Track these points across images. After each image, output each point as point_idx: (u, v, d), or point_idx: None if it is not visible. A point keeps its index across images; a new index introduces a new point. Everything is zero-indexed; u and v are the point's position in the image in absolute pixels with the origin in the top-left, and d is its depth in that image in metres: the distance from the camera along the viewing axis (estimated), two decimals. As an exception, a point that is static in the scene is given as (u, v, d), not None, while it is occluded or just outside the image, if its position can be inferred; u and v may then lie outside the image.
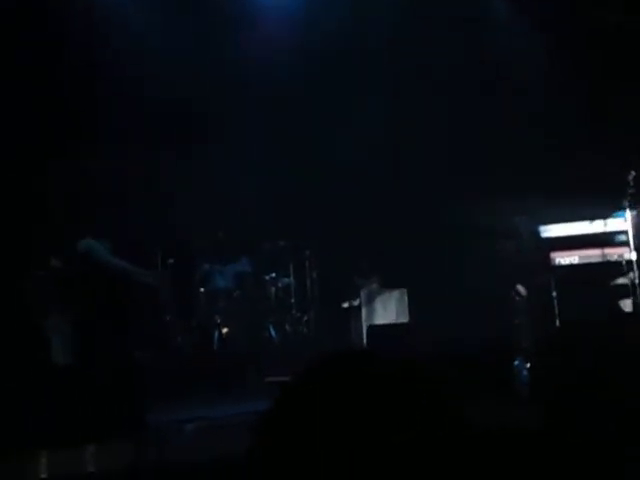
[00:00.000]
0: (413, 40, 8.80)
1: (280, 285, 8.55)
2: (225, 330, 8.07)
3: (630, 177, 6.17)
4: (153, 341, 7.99)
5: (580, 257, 6.69)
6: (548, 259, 7.39)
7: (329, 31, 8.81)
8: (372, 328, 5.70)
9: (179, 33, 8.36)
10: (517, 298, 8.08)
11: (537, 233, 7.84)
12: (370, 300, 8.98)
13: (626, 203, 6.25)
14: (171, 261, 8.28)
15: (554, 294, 7.31)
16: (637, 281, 6.17)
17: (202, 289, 8.39)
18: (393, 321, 8.62)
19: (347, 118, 9.49)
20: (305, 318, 8.70)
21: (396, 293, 8.96)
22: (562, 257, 6.79)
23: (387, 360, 1.14)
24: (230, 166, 8.94)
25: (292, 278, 8.64)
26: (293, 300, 8.58)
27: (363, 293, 8.96)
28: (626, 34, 8.53)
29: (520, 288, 7.99)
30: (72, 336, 6.27)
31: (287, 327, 8.40)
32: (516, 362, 4.77)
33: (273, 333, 8.24)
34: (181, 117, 8.74)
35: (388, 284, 9.08)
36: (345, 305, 9.05)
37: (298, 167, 9.02)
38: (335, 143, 9.37)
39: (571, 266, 6.97)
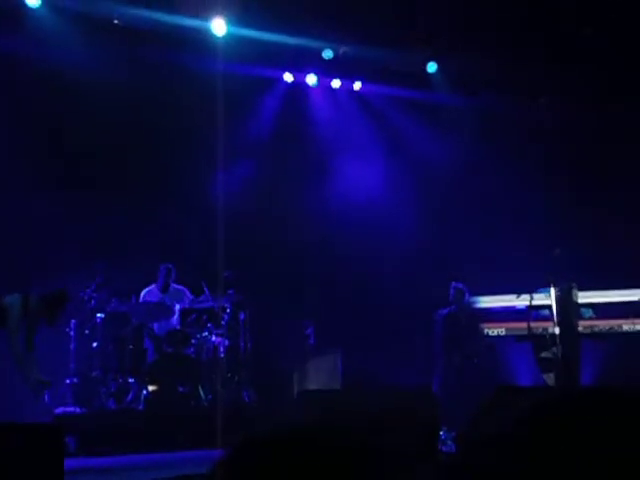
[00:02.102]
0: None
1: (212, 344, 8.42)
2: (152, 388, 7.87)
3: (555, 254, 6.44)
4: (77, 398, 7.76)
5: (507, 329, 6.89)
6: (480, 328, 7.58)
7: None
8: (302, 394, 5.67)
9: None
10: (451, 366, 8.22)
11: (471, 302, 8.06)
12: (303, 363, 8.96)
13: (550, 279, 6.50)
14: (101, 315, 8.11)
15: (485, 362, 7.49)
16: (559, 355, 6.37)
17: (131, 346, 8.21)
18: (325, 384, 8.61)
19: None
20: (236, 379, 8.57)
21: (330, 356, 8.98)
22: (491, 328, 6.98)
23: (331, 447, 1.17)
24: (169, 223, 8.93)
25: (225, 338, 8.53)
26: (225, 360, 8.46)
27: (297, 355, 8.96)
28: None
29: (455, 357, 8.13)
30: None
31: (218, 387, 8.25)
32: (442, 432, 4.82)
33: (202, 393, 8.07)
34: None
35: (323, 347, 9.11)
36: (278, 367, 8.99)
37: (240, 230, 9.07)
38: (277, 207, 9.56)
39: (499, 337, 7.16)
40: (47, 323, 6.28)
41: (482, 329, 7.63)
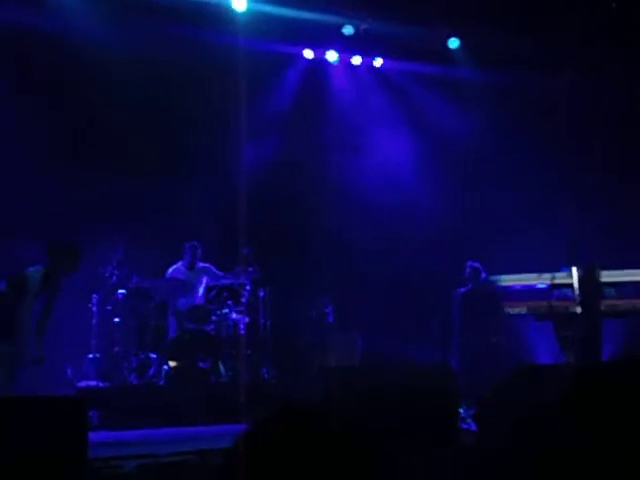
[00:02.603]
0: None
1: (232, 321, 8.48)
2: (173, 364, 7.96)
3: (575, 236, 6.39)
4: (99, 373, 7.86)
5: (528, 308, 6.86)
6: (498, 306, 7.54)
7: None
8: (322, 370, 5.71)
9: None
10: (469, 345, 8.22)
11: (489, 281, 8.02)
12: (322, 340, 9.01)
13: (573, 258, 6.45)
14: (122, 291, 8.18)
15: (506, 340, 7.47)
16: (581, 334, 6.34)
17: (153, 322, 8.29)
18: (344, 362, 8.65)
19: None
20: (256, 355, 8.63)
21: (349, 334, 9.02)
22: (511, 307, 6.95)
23: (337, 422, 1.18)
24: (190, 200, 8.95)
25: (245, 315, 8.58)
26: (245, 337, 8.51)
27: (316, 333, 9.00)
28: None
29: (473, 335, 8.12)
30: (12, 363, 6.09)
31: (237, 364, 8.32)
32: (461, 410, 4.83)
33: (222, 369, 8.15)
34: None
35: (342, 325, 9.14)
36: (297, 344, 9.04)
37: (260, 208, 9.08)
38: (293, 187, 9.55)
39: (520, 316, 7.13)
40: (70, 271, 6.30)
41: (501, 308, 7.59)
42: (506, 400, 4.20)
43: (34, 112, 7.99)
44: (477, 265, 8.46)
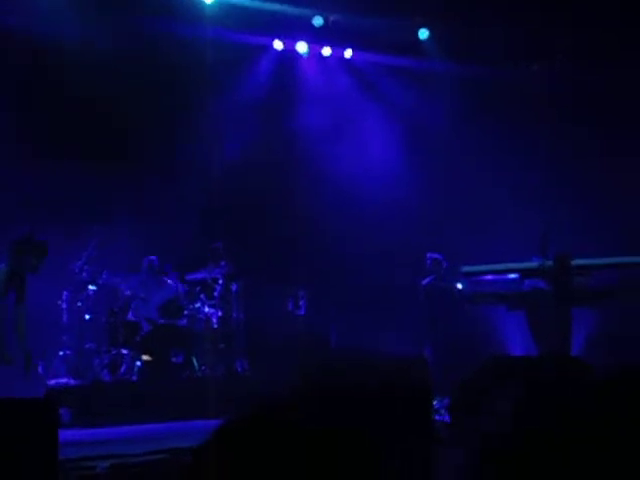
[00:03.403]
0: None
1: (205, 315, 8.43)
2: (146, 359, 7.89)
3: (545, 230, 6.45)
4: (70, 370, 7.76)
5: (499, 298, 6.91)
6: (461, 297, 7.56)
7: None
8: (299, 365, 5.70)
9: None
10: (435, 336, 8.27)
11: (451, 271, 8.04)
12: (295, 332, 9.01)
13: (544, 247, 6.50)
14: (93, 288, 8.07)
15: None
16: (552, 323, 6.40)
17: (124, 318, 8.19)
18: (317, 354, 8.64)
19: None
20: (229, 349, 8.60)
21: (321, 326, 9.04)
22: (482, 297, 6.98)
23: (313, 418, 1.16)
24: (162, 195, 8.86)
25: (218, 309, 8.53)
26: (218, 331, 8.47)
27: (289, 325, 9.00)
28: None
29: (437, 326, 8.17)
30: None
31: (211, 358, 8.28)
32: (435, 401, 4.84)
33: (195, 364, 8.11)
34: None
35: (314, 317, 9.15)
36: (270, 337, 9.02)
37: (230, 201, 9.00)
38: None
39: (491, 306, 7.17)
40: (34, 268, 6.14)
41: (464, 298, 7.63)
42: (476, 392, 4.22)
43: (7, 106, 7.84)
44: (437, 256, 8.50)
